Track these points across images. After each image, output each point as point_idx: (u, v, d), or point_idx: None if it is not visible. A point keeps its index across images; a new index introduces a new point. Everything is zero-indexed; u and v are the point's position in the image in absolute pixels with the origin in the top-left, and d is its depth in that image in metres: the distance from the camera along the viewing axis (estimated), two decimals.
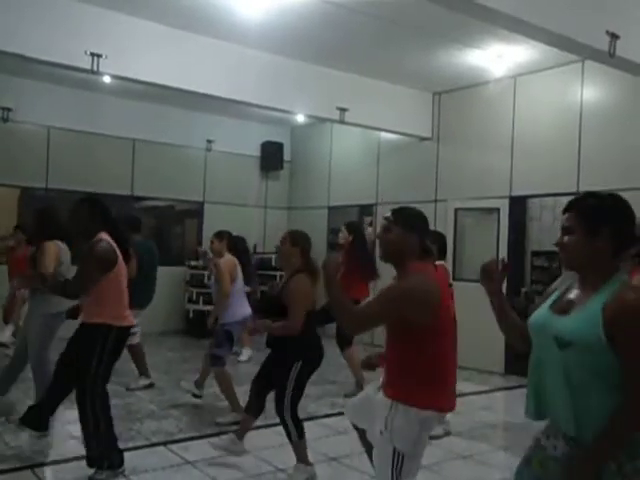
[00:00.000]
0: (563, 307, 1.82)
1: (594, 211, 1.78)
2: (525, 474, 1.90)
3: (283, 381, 3.63)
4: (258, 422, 4.76)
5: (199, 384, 5.31)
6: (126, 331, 3.64)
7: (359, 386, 5.70)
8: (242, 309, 5.08)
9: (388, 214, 2.55)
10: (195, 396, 5.28)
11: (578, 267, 1.83)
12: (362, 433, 3.05)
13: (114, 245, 3.50)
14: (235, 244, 5.43)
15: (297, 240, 3.78)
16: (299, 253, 3.75)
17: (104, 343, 3.45)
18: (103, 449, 3.51)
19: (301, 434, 3.69)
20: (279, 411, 3.66)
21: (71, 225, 3.68)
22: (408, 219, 2.52)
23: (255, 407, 3.92)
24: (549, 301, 1.89)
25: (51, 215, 4.60)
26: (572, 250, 1.80)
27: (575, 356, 1.70)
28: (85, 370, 3.44)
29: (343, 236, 5.99)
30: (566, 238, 1.81)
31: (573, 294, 1.83)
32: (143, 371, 5.89)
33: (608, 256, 1.77)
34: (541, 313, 1.88)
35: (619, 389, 1.68)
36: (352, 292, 5.86)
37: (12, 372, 4.77)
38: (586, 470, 1.67)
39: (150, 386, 5.84)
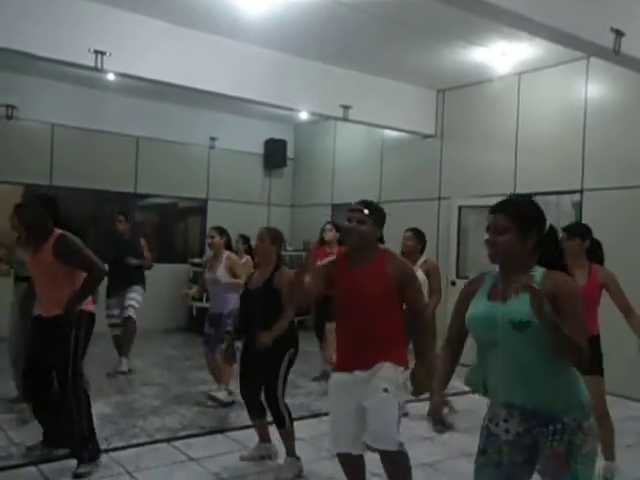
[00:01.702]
0: (500, 295, 2.06)
1: (527, 214, 2.08)
2: (484, 464, 2.12)
3: (276, 369, 3.69)
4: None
5: (223, 386, 5.25)
6: (93, 316, 3.75)
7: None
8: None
9: (359, 206, 2.96)
10: (227, 404, 5.17)
11: (507, 261, 2.08)
12: (354, 467, 3.05)
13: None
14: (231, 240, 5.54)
15: (276, 238, 3.92)
16: (276, 250, 3.92)
17: (79, 328, 3.57)
18: (85, 436, 3.58)
19: (292, 422, 3.76)
20: (273, 399, 3.71)
21: (28, 222, 3.74)
22: (378, 213, 3.00)
23: (259, 408, 3.89)
24: (483, 295, 2.12)
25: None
26: (506, 248, 2.05)
27: (532, 334, 1.93)
28: (64, 358, 3.51)
29: (331, 234, 6.18)
30: (501, 237, 2.06)
31: (502, 285, 2.08)
32: (125, 352, 6.20)
33: (532, 252, 2.08)
34: (481, 305, 2.10)
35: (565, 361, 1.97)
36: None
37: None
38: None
39: (130, 371, 6.15)
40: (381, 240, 3.03)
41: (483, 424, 2.16)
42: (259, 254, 4.03)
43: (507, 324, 1.97)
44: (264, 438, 4.01)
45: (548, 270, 2.06)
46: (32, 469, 3.66)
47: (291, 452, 3.77)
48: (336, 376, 2.97)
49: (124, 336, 6.19)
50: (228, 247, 5.37)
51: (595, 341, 3.81)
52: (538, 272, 2.04)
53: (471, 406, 4.92)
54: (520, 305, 1.95)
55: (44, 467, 3.68)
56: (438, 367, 2.33)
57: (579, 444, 1.97)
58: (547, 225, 2.14)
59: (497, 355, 2.04)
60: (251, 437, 4.21)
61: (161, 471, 3.75)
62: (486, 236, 2.11)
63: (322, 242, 6.17)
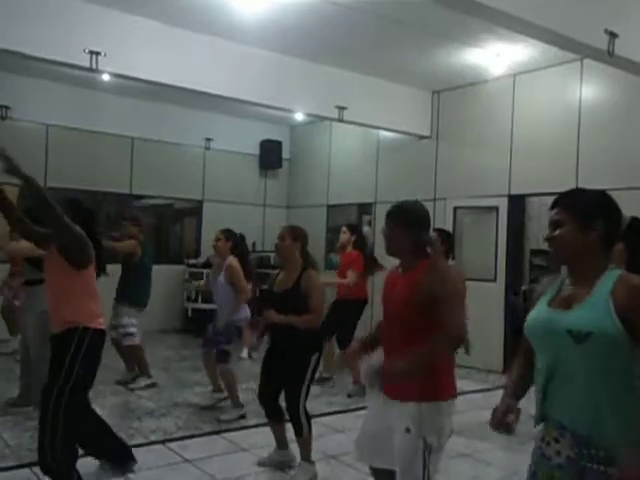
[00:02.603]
0: (564, 303, 1.78)
1: (586, 205, 1.80)
2: None
3: (299, 376, 3.60)
4: (258, 421, 4.80)
5: (218, 389, 5.24)
6: (102, 334, 3.28)
7: (357, 383, 5.69)
8: (245, 307, 5.15)
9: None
10: (224, 399, 5.14)
11: (571, 260, 1.81)
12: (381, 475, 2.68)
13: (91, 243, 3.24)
14: (237, 244, 5.40)
15: (298, 235, 3.75)
16: (300, 248, 3.74)
17: (78, 347, 3.11)
18: (57, 463, 3.10)
19: (311, 429, 3.68)
20: (294, 407, 3.63)
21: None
22: (401, 215, 2.56)
23: (277, 412, 3.84)
24: (544, 301, 1.85)
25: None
26: (565, 243, 1.78)
27: (593, 347, 1.66)
28: (56, 372, 3.11)
29: (345, 237, 6.04)
30: (557, 231, 1.80)
31: (568, 290, 1.81)
32: (145, 370, 5.87)
33: (600, 249, 1.77)
34: (541, 313, 1.83)
35: (630, 386, 1.67)
36: (354, 291, 5.91)
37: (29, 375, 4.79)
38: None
39: (153, 385, 5.81)
40: (428, 243, 2.59)
41: (535, 444, 1.87)
42: (280, 254, 3.87)
43: (565, 334, 1.70)
44: (282, 444, 3.89)
45: (624, 273, 1.74)
46: (26, 471, 3.64)
47: (306, 457, 3.71)
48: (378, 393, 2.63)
49: (135, 360, 5.88)
50: (234, 252, 5.15)
51: None
52: (609, 276, 1.72)
53: (466, 406, 4.93)
54: (582, 313, 1.70)
55: (38, 469, 3.65)
56: (511, 375, 2.00)
57: None
58: (622, 217, 1.84)
59: (551, 370, 1.77)
60: (247, 439, 4.21)
61: (156, 472, 3.74)
62: (546, 235, 1.86)
63: (340, 247, 6.15)
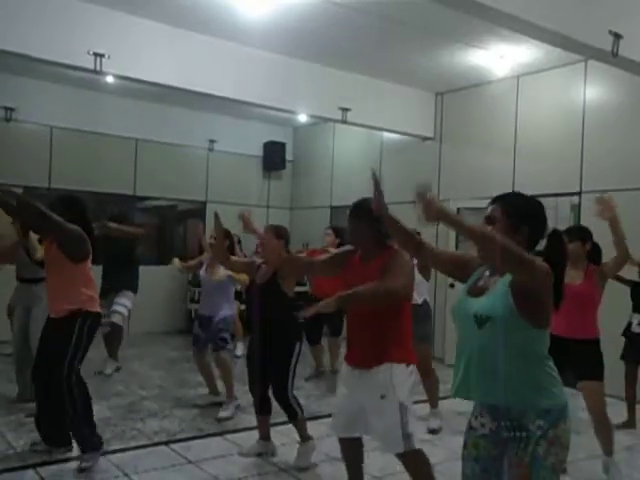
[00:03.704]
0: (477, 291, 2.03)
1: (519, 209, 2.03)
2: (466, 457, 2.09)
3: (285, 364, 3.78)
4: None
5: (214, 391, 5.30)
6: (99, 317, 3.75)
7: (333, 372, 6.00)
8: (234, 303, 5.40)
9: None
10: (219, 403, 5.18)
11: (496, 254, 1.94)
12: (353, 446, 3.15)
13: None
14: (232, 244, 5.43)
15: (280, 234, 3.93)
16: (283, 246, 3.91)
17: (82, 328, 3.54)
18: (82, 434, 3.65)
19: (302, 410, 3.89)
20: (282, 394, 3.80)
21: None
22: (359, 211, 2.93)
23: (267, 406, 4.01)
24: (465, 288, 2.11)
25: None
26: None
27: (493, 331, 1.90)
28: (61, 359, 3.49)
29: (330, 239, 6.22)
30: (490, 228, 2.00)
31: (485, 280, 2.05)
32: (115, 354, 6.16)
33: (523, 248, 1.94)
34: (460, 300, 2.09)
35: (533, 359, 1.94)
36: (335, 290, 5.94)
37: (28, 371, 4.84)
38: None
39: (117, 369, 6.09)
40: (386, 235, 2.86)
41: (468, 418, 2.15)
42: (265, 250, 4.05)
43: (472, 318, 1.95)
44: (265, 436, 4.11)
45: None
46: (30, 472, 3.64)
47: (304, 436, 3.91)
48: (344, 368, 3.05)
49: (110, 340, 6.12)
50: (231, 252, 5.26)
51: (595, 345, 3.80)
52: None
53: (466, 406, 4.92)
54: (484, 300, 1.95)
55: (42, 470, 3.67)
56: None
57: (542, 455, 1.89)
58: (547, 227, 2.09)
59: (468, 351, 2.00)
60: (249, 440, 4.21)
61: (159, 474, 3.74)
62: None
63: (324, 248, 6.20)
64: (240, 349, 7.27)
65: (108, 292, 5.99)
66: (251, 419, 4.83)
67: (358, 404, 2.90)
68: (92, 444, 3.69)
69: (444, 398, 4.99)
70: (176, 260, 5.68)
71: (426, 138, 8.06)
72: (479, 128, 7.51)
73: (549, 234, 2.09)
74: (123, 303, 6.06)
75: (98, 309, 3.72)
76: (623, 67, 4.95)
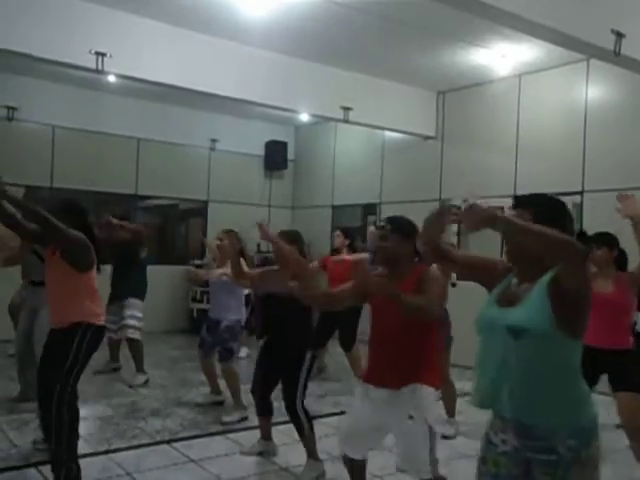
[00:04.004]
0: (507, 300, 1.89)
1: (549, 211, 1.92)
2: (483, 473, 1.97)
3: (294, 374, 3.67)
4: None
5: (216, 391, 5.27)
6: (102, 330, 3.50)
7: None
8: (243, 308, 5.21)
9: (383, 223, 2.85)
10: (219, 402, 5.22)
11: (523, 259, 1.89)
12: (357, 466, 2.99)
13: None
14: (243, 247, 5.38)
15: (293, 239, 3.83)
16: (296, 250, 3.79)
17: (81, 341, 3.30)
18: (62, 459, 3.27)
19: (311, 427, 3.73)
20: (291, 405, 3.69)
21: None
22: (404, 227, 2.80)
23: (267, 408, 3.98)
24: (493, 297, 1.97)
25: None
26: (521, 243, 1.85)
27: (530, 343, 1.77)
28: (57, 371, 3.26)
29: (340, 240, 6.18)
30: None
31: (515, 288, 1.91)
32: (140, 367, 5.96)
33: None
34: (487, 310, 1.95)
35: (566, 373, 1.81)
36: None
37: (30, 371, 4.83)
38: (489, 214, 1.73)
39: (147, 382, 5.90)
40: (417, 254, 2.80)
41: (485, 430, 2.02)
42: (277, 257, 3.95)
43: (505, 330, 1.82)
44: (266, 436, 4.09)
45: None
46: (32, 470, 3.65)
47: (312, 455, 3.76)
48: (364, 387, 2.88)
49: (132, 355, 5.97)
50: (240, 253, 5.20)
51: (631, 355, 3.71)
52: (549, 275, 1.81)
53: (468, 407, 4.92)
54: (519, 311, 1.82)
55: (44, 469, 3.67)
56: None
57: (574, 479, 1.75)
58: (575, 228, 1.98)
59: (495, 364, 1.89)
60: (251, 439, 4.21)
61: (161, 472, 3.75)
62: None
63: (333, 250, 6.20)
64: (244, 351, 7.27)
65: (114, 299, 5.93)
66: (253, 418, 4.84)
67: (377, 425, 2.78)
68: (67, 473, 3.25)
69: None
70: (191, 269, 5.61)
71: (428, 137, 8.05)
72: (481, 127, 7.50)
73: (577, 235, 2.03)
74: (134, 315, 5.88)
75: (101, 322, 3.45)
76: (625, 66, 4.94)
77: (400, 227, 2.79)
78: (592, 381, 1.97)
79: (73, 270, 3.30)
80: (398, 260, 2.79)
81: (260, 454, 4.06)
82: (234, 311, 4.99)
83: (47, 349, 3.39)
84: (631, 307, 3.78)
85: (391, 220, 2.86)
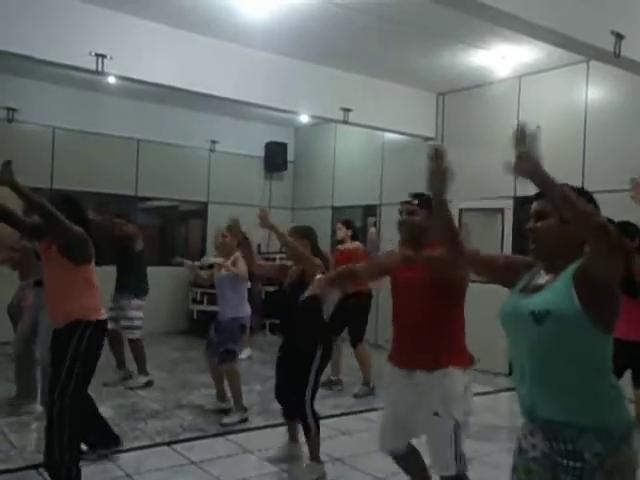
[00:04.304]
0: (532, 290, 1.79)
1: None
2: None
3: (305, 372, 3.67)
4: (262, 422, 4.80)
5: (222, 397, 5.17)
6: (104, 324, 3.39)
7: (366, 385, 5.78)
8: (248, 305, 5.12)
9: (409, 199, 2.85)
10: (225, 410, 5.07)
11: (550, 252, 1.80)
12: (407, 458, 2.88)
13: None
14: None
15: (305, 234, 3.90)
16: (309, 245, 3.86)
17: (80, 341, 3.19)
18: (63, 461, 3.18)
19: (318, 429, 3.73)
20: (301, 407, 3.68)
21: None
22: (430, 202, 2.66)
23: (290, 411, 3.94)
24: (517, 289, 1.87)
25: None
26: (547, 234, 1.78)
27: (552, 328, 1.66)
28: (56, 373, 3.18)
29: (342, 232, 6.24)
30: (540, 223, 1.80)
31: (541, 279, 1.81)
32: (142, 369, 5.92)
33: (578, 244, 1.74)
34: (511, 299, 1.86)
35: (596, 369, 1.69)
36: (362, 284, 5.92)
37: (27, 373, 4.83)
38: (535, 166, 1.72)
39: (149, 384, 5.84)
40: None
41: (517, 436, 1.88)
42: (289, 251, 3.98)
43: (528, 316, 1.70)
44: (293, 438, 4.07)
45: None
46: (32, 472, 3.64)
47: (315, 457, 3.76)
48: (391, 370, 2.81)
49: (134, 356, 5.94)
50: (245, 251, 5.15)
51: None
52: (575, 263, 1.71)
53: (481, 410, 4.92)
54: (544, 295, 1.71)
55: (44, 471, 3.67)
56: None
57: None
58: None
59: (521, 356, 1.77)
60: (252, 441, 4.21)
61: (162, 474, 3.75)
62: (528, 225, 1.85)
63: (337, 242, 6.27)
64: (245, 353, 7.27)
65: (117, 292, 5.90)
66: (253, 420, 4.85)
67: (407, 407, 2.70)
68: (67, 475, 3.20)
69: None
70: (187, 262, 5.56)
71: (428, 138, 8.05)
72: (481, 128, 7.50)
73: (619, 224, 1.93)
74: (134, 316, 5.82)
75: (101, 316, 3.35)
76: (625, 67, 4.94)
77: (428, 202, 2.65)
78: (617, 375, 1.82)
79: (70, 264, 3.23)
80: (424, 234, 2.76)
81: (287, 460, 4.00)
82: (234, 309, 4.91)
83: (51, 351, 3.33)
84: None
85: (417, 195, 2.85)
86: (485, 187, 7.30)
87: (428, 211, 2.69)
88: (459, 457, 2.57)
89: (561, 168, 7.61)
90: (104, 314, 3.41)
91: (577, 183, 7.17)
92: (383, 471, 3.69)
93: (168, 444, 4.27)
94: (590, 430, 1.65)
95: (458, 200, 7.61)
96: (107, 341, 5.81)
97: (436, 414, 2.57)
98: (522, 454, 1.81)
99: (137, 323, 5.86)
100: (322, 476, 3.71)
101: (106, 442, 3.91)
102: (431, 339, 2.65)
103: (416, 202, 2.81)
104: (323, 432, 4.14)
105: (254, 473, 3.83)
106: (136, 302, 5.87)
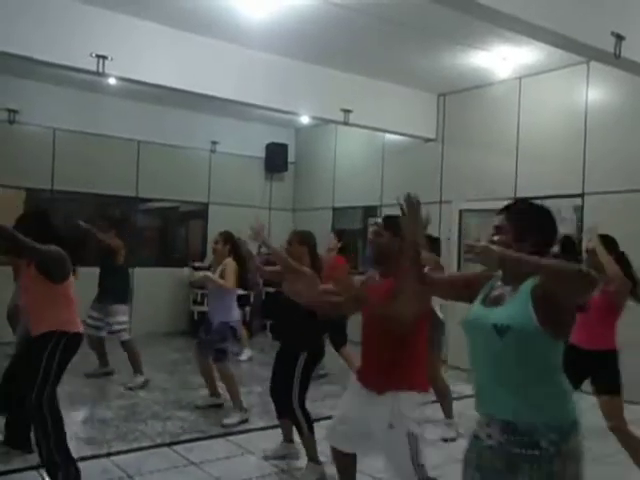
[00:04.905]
0: (493, 301, 1.98)
1: (525, 218, 2.01)
2: (467, 465, 2.02)
3: (290, 373, 3.73)
4: (262, 423, 4.80)
5: (215, 393, 5.27)
6: (78, 337, 3.52)
7: None
8: (237, 311, 5.28)
9: (378, 221, 2.95)
10: (218, 405, 5.21)
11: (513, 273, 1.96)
12: (347, 460, 3.06)
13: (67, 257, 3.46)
14: (235, 247, 5.33)
15: (304, 239, 3.93)
16: (308, 252, 3.90)
17: (54, 350, 3.33)
18: (55, 462, 3.31)
19: (311, 428, 3.76)
20: (288, 404, 3.73)
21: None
22: (396, 224, 2.78)
23: (281, 409, 3.97)
24: (479, 300, 2.04)
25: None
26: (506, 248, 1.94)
27: (513, 341, 1.84)
28: (31, 379, 3.30)
29: (332, 243, 6.35)
30: (497, 237, 2.00)
31: (500, 290, 2.00)
32: (138, 369, 5.96)
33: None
34: (473, 310, 2.03)
35: (549, 369, 1.89)
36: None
37: None
38: (493, 253, 1.84)
39: (146, 382, 5.90)
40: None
41: (473, 428, 2.07)
42: (291, 257, 4.00)
43: (491, 328, 1.88)
44: (287, 438, 4.09)
45: None
46: (33, 473, 3.65)
47: (312, 457, 3.78)
48: (354, 383, 2.95)
49: (128, 357, 6.00)
50: (233, 255, 5.12)
51: (613, 357, 3.73)
52: (534, 279, 1.89)
53: (468, 409, 4.91)
54: (506, 309, 1.90)
55: (44, 471, 3.67)
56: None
57: (558, 472, 1.82)
58: (557, 233, 2.07)
59: (482, 361, 1.97)
60: (252, 442, 4.21)
61: (162, 475, 3.75)
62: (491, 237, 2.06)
63: (329, 250, 6.30)
64: (246, 355, 7.28)
65: (98, 299, 6.01)
66: (253, 420, 4.85)
67: (365, 426, 2.80)
68: (65, 475, 3.30)
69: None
70: (186, 269, 5.66)
71: (428, 139, 8.06)
72: (481, 130, 7.51)
73: (562, 240, 2.08)
74: (119, 321, 5.96)
75: (77, 329, 3.49)
76: (625, 68, 4.94)
77: (392, 224, 2.84)
78: (577, 382, 2.02)
79: (49, 282, 3.38)
80: (390, 256, 2.84)
81: (284, 457, 4.04)
82: (222, 314, 5.01)
83: (22, 357, 3.47)
84: (614, 306, 3.74)
85: (385, 218, 2.97)
86: (486, 188, 7.30)
87: (392, 232, 2.81)
88: (419, 467, 2.64)
89: (561, 169, 7.63)
90: (81, 327, 3.56)
91: (577, 184, 7.17)
92: (383, 471, 3.69)
93: (168, 445, 4.27)
94: (543, 424, 1.84)
95: (458, 201, 7.63)
96: (87, 340, 5.93)
97: (391, 426, 2.65)
98: (477, 441, 1.99)
99: (125, 326, 6.03)
100: (322, 476, 3.72)
101: (18, 442, 3.90)
102: (386, 366, 2.74)
103: (382, 224, 2.92)
104: (322, 433, 4.13)
105: (254, 474, 3.83)
106: (122, 307, 6.06)
